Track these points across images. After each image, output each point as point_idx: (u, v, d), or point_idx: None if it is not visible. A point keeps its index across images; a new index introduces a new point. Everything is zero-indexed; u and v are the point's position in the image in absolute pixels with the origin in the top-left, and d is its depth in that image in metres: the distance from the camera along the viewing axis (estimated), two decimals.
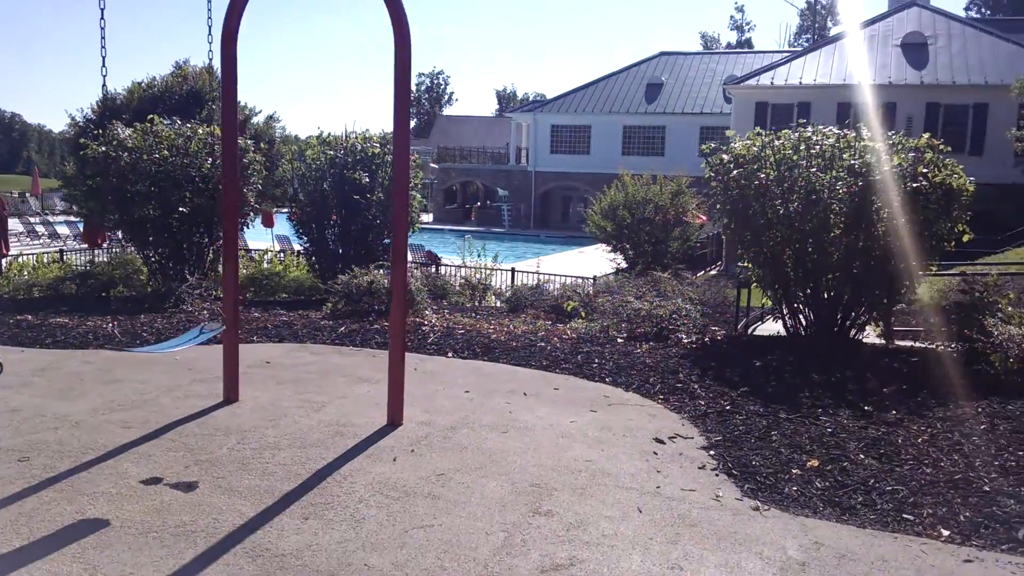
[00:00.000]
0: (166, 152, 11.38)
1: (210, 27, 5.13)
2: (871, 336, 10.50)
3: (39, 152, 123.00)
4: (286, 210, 14.02)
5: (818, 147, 8.69)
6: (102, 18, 4.32)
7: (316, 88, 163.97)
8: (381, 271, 10.75)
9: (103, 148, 11.31)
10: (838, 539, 4.35)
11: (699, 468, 5.33)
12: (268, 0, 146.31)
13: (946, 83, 30.60)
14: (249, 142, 12.39)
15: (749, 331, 11.85)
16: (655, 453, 5.56)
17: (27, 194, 44.91)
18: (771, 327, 10.83)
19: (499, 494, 4.76)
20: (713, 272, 24.54)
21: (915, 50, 32.62)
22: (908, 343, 9.31)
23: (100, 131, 11.85)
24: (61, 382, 6.72)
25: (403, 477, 4.94)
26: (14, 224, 30.25)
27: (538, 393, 6.89)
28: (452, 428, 5.89)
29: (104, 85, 4.54)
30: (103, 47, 4.40)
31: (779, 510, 4.72)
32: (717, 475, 5.23)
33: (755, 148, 8.89)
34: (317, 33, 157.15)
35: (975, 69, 30.94)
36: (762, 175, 8.64)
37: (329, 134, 13.42)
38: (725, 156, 9.15)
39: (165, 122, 12.14)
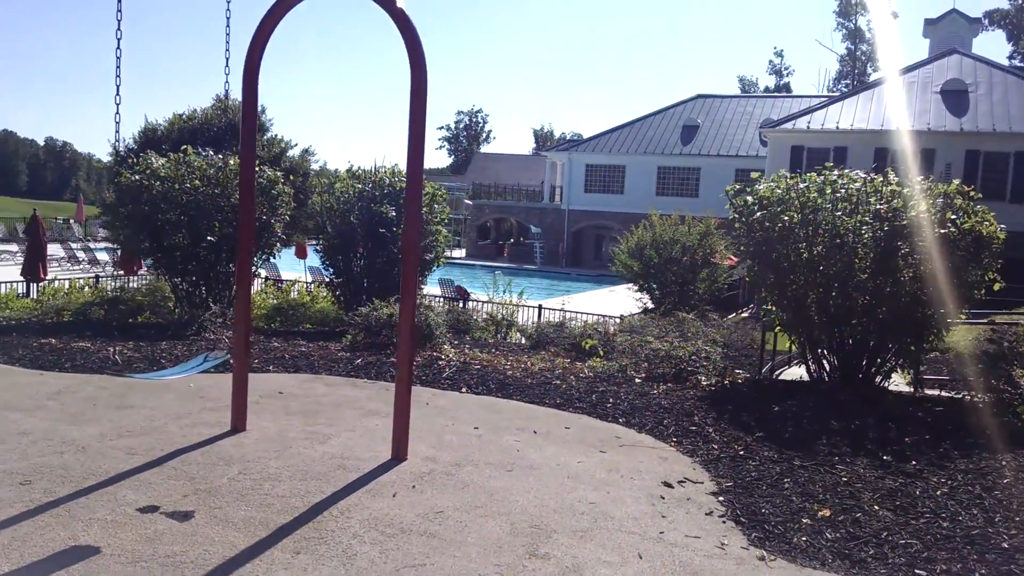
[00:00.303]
0: (197, 182, 11.56)
1: (227, 59, 5.22)
2: (900, 384, 10.25)
3: (87, 180, 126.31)
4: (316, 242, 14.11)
5: (844, 191, 8.57)
6: (118, 47, 4.43)
7: (354, 123, 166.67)
8: None
9: (136, 177, 11.51)
10: None
11: (706, 514, 5.18)
12: (311, 38, 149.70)
13: (986, 131, 30.20)
14: (279, 174, 12.53)
15: (775, 375, 11.63)
16: (662, 497, 5.42)
17: (71, 220, 45.97)
18: (798, 372, 10.63)
19: (497, 534, 4.66)
20: (745, 314, 24.22)
21: (955, 97, 32.29)
22: (936, 392, 9.06)
23: (136, 160, 12.08)
24: (74, 406, 6.77)
25: (400, 514, 4.87)
26: (56, 249, 30.94)
27: (548, 432, 6.79)
28: (456, 465, 5.81)
29: (117, 112, 4.63)
30: (118, 76, 4.49)
31: (786, 561, 4.57)
32: (724, 522, 5.08)
33: (779, 190, 8.79)
34: (357, 69, 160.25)
35: (1017, 117, 30.51)
36: (785, 218, 8.53)
37: (358, 168, 13.58)
38: (749, 198, 9.06)
39: (202, 153, 12.35)
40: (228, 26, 5.13)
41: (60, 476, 5.19)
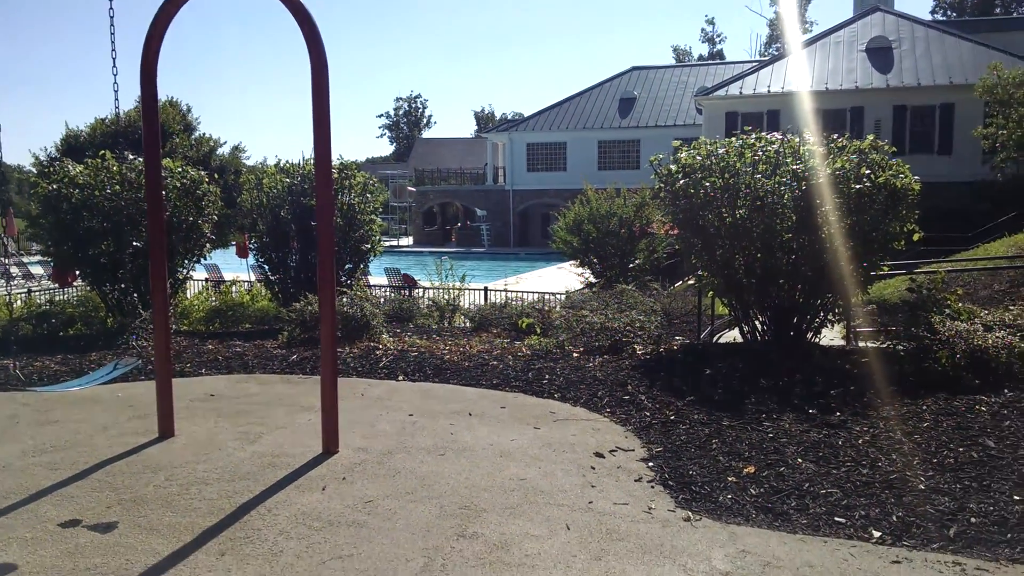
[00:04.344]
0: (118, 187, 11.30)
1: (114, 59, 5.07)
2: (836, 339, 10.48)
3: (19, 193, 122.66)
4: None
5: (762, 153, 8.70)
6: None
7: (285, 117, 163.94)
8: (346, 299, 10.62)
9: (54, 186, 11.22)
10: (766, 547, 4.28)
11: (635, 481, 5.26)
12: (234, 33, 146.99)
13: (912, 85, 30.88)
14: (203, 173, 12.29)
15: (715, 339, 11.81)
16: (592, 468, 5.48)
17: (2, 236, 44.65)
18: (736, 334, 10.79)
19: (426, 519, 4.67)
20: (691, 281, 24.56)
21: (880, 54, 32.94)
22: (865, 344, 9.28)
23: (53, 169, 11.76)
24: None
25: (329, 506, 4.85)
26: None
27: (483, 413, 6.81)
28: (389, 453, 5.81)
29: None
30: None
31: (711, 519, 4.66)
32: (653, 487, 5.16)
33: (700, 157, 8.89)
34: (283, 61, 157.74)
35: (940, 70, 31.25)
36: (707, 184, 8.63)
37: (287, 162, 13.41)
38: (673, 166, 9.15)
39: (128, 157, 12.03)
40: (112, 25, 4.99)
41: None
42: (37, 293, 18.13)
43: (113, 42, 4.92)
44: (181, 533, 4.51)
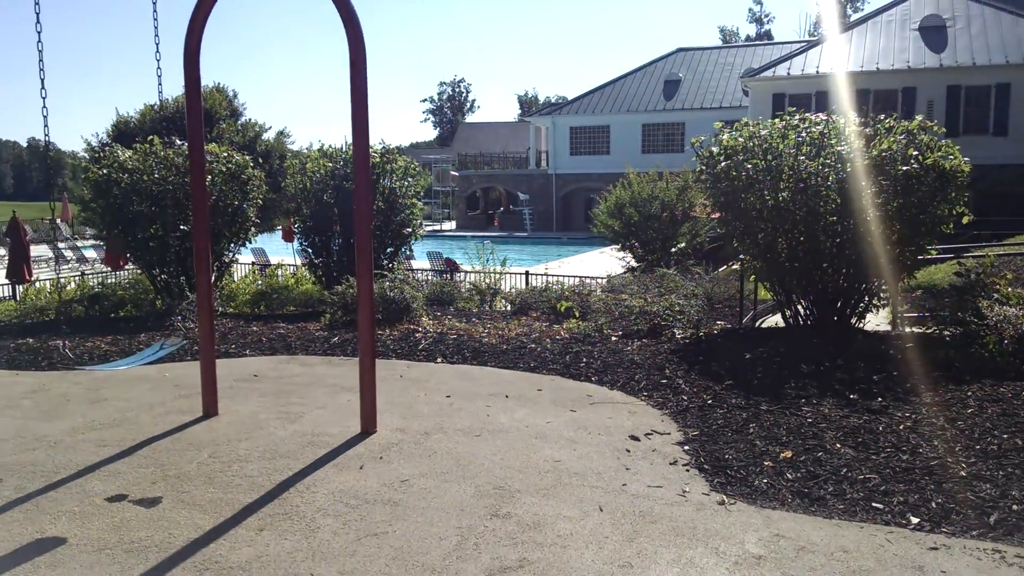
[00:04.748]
0: (165, 172, 11.53)
1: (157, 44, 5.17)
2: (882, 324, 10.29)
3: (73, 179, 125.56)
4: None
5: (806, 134, 8.55)
6: (39, 41, 4.38)
7: (329, 103, 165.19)
8: (387, 282, 10.71)
9: (104, 171, 11.49)
10: (800, 531, 4.25)
11: (671, 464, 5.25)
12: (277, 19, 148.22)
13: (966, 64, 29.99)
14: (247, 158, 12.48)
15: (757, 324, 11.68)
16: (627, 451, 5.48)
17: (58, 220, 45.76)
18: (779, 320, 10.66)
19: (460, 498, 4.72)
20: (735, 266, 24.26)
21: (933, 33, 32.03)
22: (911, 330, 9.10)
23: (103, 155, 12.04)
24: (47, 403, 6.81)
25: (366, 485, 4.93)
26: (44, 250, 30.94)
27: (520, 395, 6.84)
28: (426, 434, 5.87)
29: (44, 106, 4.60)
30: (41, 69, 4.46)
31: (746, 503, 4.63)
32: (688, 470, 5.14)
33: (741, 139, 8.78)
34: (328, 46, 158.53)
35: (996, 49, 30.30)
36: (749, 166, 8.52)
37: (329, 146, 13.53)
38: (714, 148, 9.06)
39: (177, 143, 12.26)
40: (155, 10, 5.08)
41: (30, 472, 5.24)
42: (90, 276, 18.62)
43: (156, 26, 5.03)
44: (222, 509, 4.62)
